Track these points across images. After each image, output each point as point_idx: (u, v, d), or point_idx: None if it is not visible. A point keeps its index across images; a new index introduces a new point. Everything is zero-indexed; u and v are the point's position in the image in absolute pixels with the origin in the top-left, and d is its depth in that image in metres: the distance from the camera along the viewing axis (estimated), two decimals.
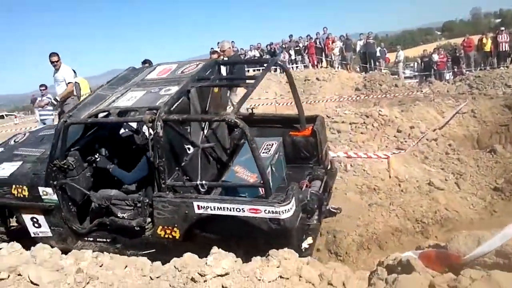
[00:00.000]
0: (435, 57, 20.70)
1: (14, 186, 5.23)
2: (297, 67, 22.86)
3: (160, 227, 4.60)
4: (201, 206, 4.30)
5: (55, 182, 4.98)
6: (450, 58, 21.28)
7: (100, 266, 3.18)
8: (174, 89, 5.00)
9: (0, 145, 6.42)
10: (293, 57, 22.99)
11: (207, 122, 5.29)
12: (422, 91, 16.89)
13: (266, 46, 24.26)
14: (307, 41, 22.82)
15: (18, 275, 3.11)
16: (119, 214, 4.91)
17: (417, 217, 6.98)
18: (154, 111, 4.51)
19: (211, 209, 4.27)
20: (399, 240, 6.55)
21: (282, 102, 17.72)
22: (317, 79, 20.67)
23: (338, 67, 21.74)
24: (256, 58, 21.83)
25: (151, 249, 4.76)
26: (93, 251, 4.37)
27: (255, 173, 4.52)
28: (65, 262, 3.26)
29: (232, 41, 15.66)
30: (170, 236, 4.58)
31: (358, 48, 22.49)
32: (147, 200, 4.68)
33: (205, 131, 5.42)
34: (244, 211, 4.15)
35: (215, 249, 3.26)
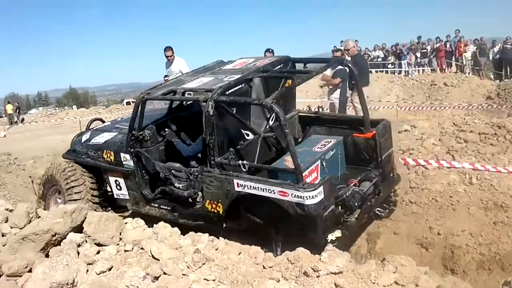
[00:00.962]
0: None
1: (105, 151, 6.10)
2: (423, 70, 21.78)
3: (208, 201, 5.01)
4: (240, 184, 4.64)
5: (131, 150, 5.68)
6: None
7: (216, 250, 3.29)
8: (236, 77, 5.40)
9: (113, 121, 7.35)
10: (419, 60, 21.92)
11: (274, 114, 5.29)
12: None
13: (391, 46, 23.39)
14: (436, 44, 21.60)
15: (141, 248, 3.33)
16: (176, 184, 5.39)
17: None
18: (209, 92, 4.92)
19: (248, 188, 4.57)
20: None
21: (404, 106, 17.01)
22: (445, 84, 19.65)
23: (469, 73, 20.36)
24: (379, 58, 21.17)
25: (200, 221, 5.17)
26: (156, 216, 5.61)
27: (304, 164, 4.63)
28: (184, 241, 3.43)
29: (356, 40, 15.33)
30: (215, 211, 4.96)
31: (492, 54, 20.75)
32: (198, 174, 5.09)
33: (271, 122, 5.66)
34: (274, 192, 4.38)
35: (330, 246, 3.24)
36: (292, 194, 4.28)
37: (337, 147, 5.45)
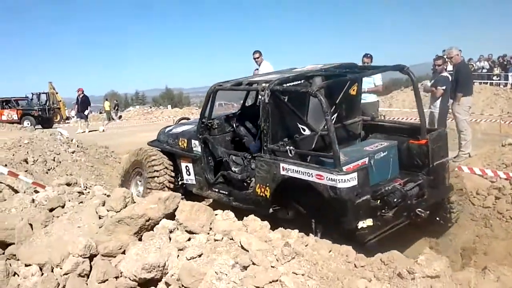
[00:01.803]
0: None
1: (180, 139, 6.76)
2: None
3: (258, 184, 5.33)
4: (285, 168, 4.93)
5: (200, 136, 6.25)
6: None
7: (306, 246, 3.20)
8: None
9: (196, 118, 7.84)
10: None
11: (336, 114, 5.91)
12: None
13: (498, 58, 21.95)
14: None
15: (231, 239, 3.35)
16: (233, 169, 5.94)
17: None
18: (267, 83, 5.29)
19: (291, 172, 4.85)
20: None
21: (508, 121, 15.81)
22: None
23: None
24: (484, 69, 19.93)
25: (251, 205, 5.47)
26: (215, 200, 6.33)
27: (349, 158, 4.89)
28: (273, 235, 3.41)
29: (460, 50, 14.49)
30: (263, 195, 5.27)
31: None
32: (251, 159, 5.58)
33: (332, 121, 5.72)
34: (312, 176, 4.62)
35: (427, 249, 3.10)
36: (327, 177, 4.50)
37: (390, 150, 5.54)
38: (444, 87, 8.82)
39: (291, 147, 5.09)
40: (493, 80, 21.35)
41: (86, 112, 20.18)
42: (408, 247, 5.70)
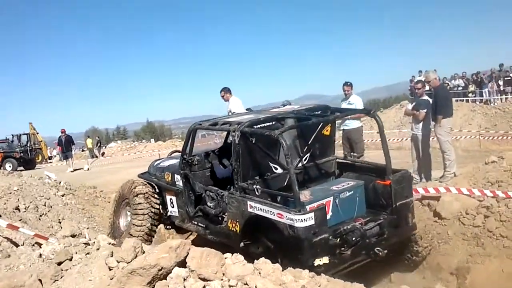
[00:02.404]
0: None
1: (166, 173, 7.26)
2: (506, 98, 20.81)
3: (230, 219, 5.68)
4: (251, 206, 5.26)
5: (181, 171, 6.68)
6: None
7: (319, 286, 3.28)
8: (271, 116, 6.11)
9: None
10: (502, 88, 20.98)
11: (309, 153, 6.35)
12: None
13: (472, 75, 22.61)
14: None
15: (245, 284, 3.42)
16: (208, 203, 6.38)
17: None
18: (239, 124, 5.63)
19: (256, 209, 5.18)
20: None
21: (487, 136, 16.25)
22: None
23: None
24: (460, 87, 20.51)
25: (223, 239, 5.89)
26: (194, 233, 6.92)
27: (317, 200, 5.20)
28: (286, 278, 3.49)
29: (434, 69, 14.95)
30: (234, 229, 5.61)
31: None
32: (224, 195, 5.95)
33: (305, 161, 6.35)
34: (274, 214, 4.94)
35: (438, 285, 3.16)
36: (286, 216, 4.79)
37: (356, 189, 5.78)
38: (425, 110, 9.09)
39: (258, 186, 5.36)
40: (469, 97, 21.93)
41: (71, 151, 20.88)
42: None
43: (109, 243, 4.34)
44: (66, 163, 21.28)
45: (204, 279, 3.46)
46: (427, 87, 10.07)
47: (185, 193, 6.71)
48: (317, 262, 4.79)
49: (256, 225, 5.37)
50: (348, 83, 9.67)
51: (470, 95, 21.94)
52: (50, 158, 30.89)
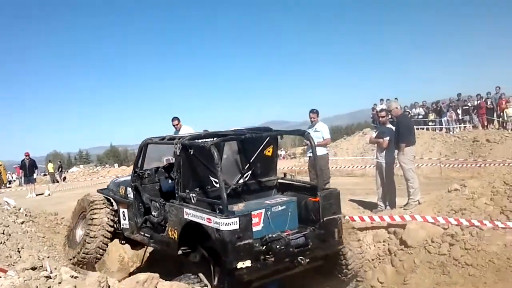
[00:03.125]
0: None
1: (121, 187, 7.61)
2: (465, 127, 21.55)
3: (170, 227, 6.03)
4: (187, 212, 5.64)
5: (132, 184, 7.01)
6: None
7: None
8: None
9: None
10: (460, 117, 21.72)
11: (251, 171, 6.74)
12: None
13: (432, 104, 23.35)
14: (477, 101, 21.48)
15: None
16: (153, 213, 6.74)
17: None
18: (181, 139, 6.03)
19: (191, 216, 5.56)
20: None
21: (447, 163, 16.69)
22: (487, 140, 19.35)
23: (511, 130, 19.93)
24: (420, 116, 21.09)
25: (164, 246, 6.27)
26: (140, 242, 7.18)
27: (248, 211, 5.44)
28: None
29: (396, 98, 15.39)
30: (173, 237, 5.93)
31: None
32: (165, 204, 6.30)
33: (246, 178, 6.73)
34: (204, 219, 5.33)
35: None
36: (213, 220, 5.18)
37: (288, 204, 6.08)
38: (388, 138, 9.28)
39: (194, 195, 5.74)
40: (429, 125, 22.61)
41: (34, 176, 20.33)
42: None
43: (72, 276, 4.14)
44: (27, 188, 20.55)
45: None
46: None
47: (135, 204, 7.03)
48: (240, 265, 5.09)
49: (192, 233, 5.65)
50: (314, 111, 9.75)
51: (430, 123, 22.60)
52: (9, 182, 29.80)
